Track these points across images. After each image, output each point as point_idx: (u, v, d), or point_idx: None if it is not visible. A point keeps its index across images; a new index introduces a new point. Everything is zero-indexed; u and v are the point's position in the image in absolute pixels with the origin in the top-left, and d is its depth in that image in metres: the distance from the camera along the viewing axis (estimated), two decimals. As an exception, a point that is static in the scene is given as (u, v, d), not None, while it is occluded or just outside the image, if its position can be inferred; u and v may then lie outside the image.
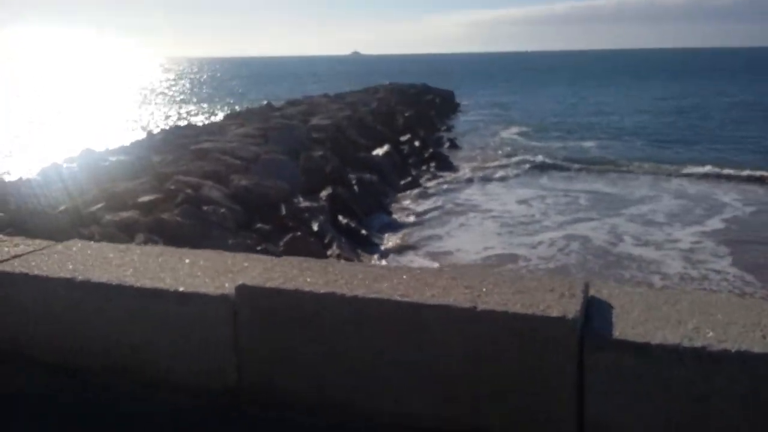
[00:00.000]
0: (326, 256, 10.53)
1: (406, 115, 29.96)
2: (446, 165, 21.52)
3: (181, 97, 61.74)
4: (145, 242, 8.64)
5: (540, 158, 22.52)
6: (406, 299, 1.81)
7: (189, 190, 10.77)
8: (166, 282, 2.09)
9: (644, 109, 42.10)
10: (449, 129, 31.97)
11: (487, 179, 19.05)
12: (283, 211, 11.47)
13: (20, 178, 11.88)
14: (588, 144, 27.26)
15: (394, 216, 14.79)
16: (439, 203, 15.40)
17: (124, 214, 9.11)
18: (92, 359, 2.18)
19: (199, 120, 33.69)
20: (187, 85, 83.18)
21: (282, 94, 45.67)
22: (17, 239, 2.66)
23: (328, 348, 1.91)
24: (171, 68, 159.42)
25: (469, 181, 18.86)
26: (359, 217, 13.47)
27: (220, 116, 29.12)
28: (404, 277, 1.98)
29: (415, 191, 17.13)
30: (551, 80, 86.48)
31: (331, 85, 49.56)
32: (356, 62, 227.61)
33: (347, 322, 1.88)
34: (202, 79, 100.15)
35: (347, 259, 10.61)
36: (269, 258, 2.30)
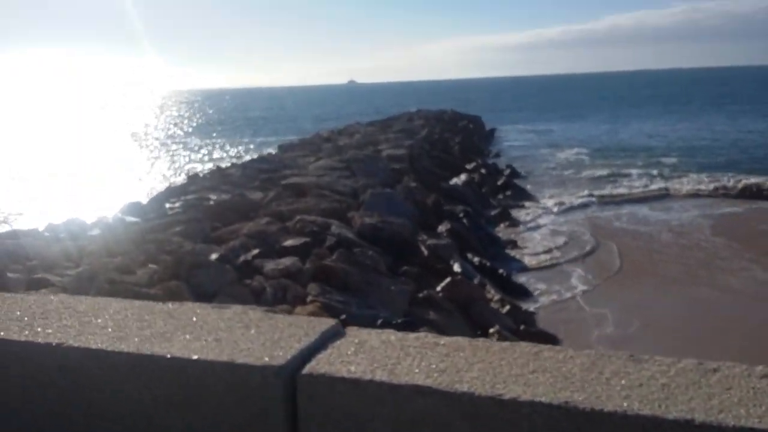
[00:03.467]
0: (488, 301, 9.44)
1: (457, 141, 29.09)
2: (523, 194, 20.47)
3: (209, 129, 60.52)
4: (322, 293, 7.54)
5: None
6: None
7: (330, 231, 9.71)
8: None
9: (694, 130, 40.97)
10: (498, 155, 30.96)
11: (585, 206, 18.11)
12: (425, 251, 10.38)
13: (129, 220, 10.67)
14: (669, 160, 26.49)
15: (508, 251, 13.71)
16: (559, 242, 14.20)
17: (286, 262, 8.02)
18: None
19: (245, 153, 33.01)
20: (205, 119, 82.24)
21: (307, 125, 45.02)
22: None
23: None
24: (182, 101, 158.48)
25: (568, 209, 17.83)
26: (484, 255, 12.39)
27: (261, 149, 28.25)
28: None
29: (517, 226, 16.07)
30: (556, 105, 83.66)
31: (346, 114, 48.57)
32: (356, 91, 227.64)
33: None
34: (215, 112, 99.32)
35: (513, 305, 9.52)
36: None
